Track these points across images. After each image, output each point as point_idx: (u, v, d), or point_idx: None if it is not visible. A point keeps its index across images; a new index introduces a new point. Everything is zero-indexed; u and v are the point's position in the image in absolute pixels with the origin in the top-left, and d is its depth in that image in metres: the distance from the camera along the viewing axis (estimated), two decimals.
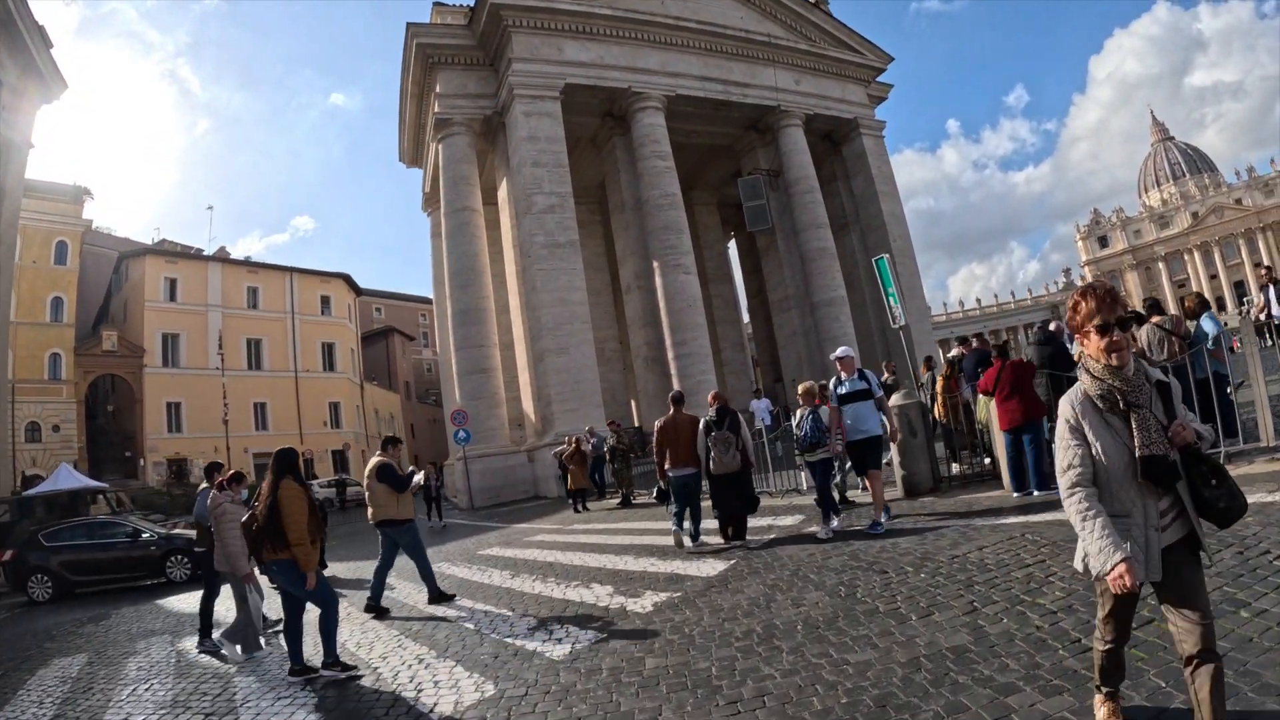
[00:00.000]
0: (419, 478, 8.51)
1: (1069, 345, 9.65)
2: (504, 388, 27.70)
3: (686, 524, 8.56)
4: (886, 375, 16.99)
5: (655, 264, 26.38)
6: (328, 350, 54.36)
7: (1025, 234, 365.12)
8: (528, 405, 25.91)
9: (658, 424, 8.94)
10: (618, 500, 16.52)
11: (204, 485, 8.16)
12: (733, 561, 7.35)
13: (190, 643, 7.85)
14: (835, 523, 7.93)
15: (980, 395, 9.01)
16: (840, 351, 8.58)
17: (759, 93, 29.97)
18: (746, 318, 43.48)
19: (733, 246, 41.90)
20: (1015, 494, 8.04)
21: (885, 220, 32.07)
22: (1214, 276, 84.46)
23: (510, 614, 6.81)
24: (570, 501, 17.00)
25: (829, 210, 31.29)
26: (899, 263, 30.78)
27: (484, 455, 24.48)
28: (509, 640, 5.79)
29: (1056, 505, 6.67)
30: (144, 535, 15.23)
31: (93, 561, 14.76)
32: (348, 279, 57.67)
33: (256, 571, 6.94)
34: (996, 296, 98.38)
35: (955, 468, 10.37)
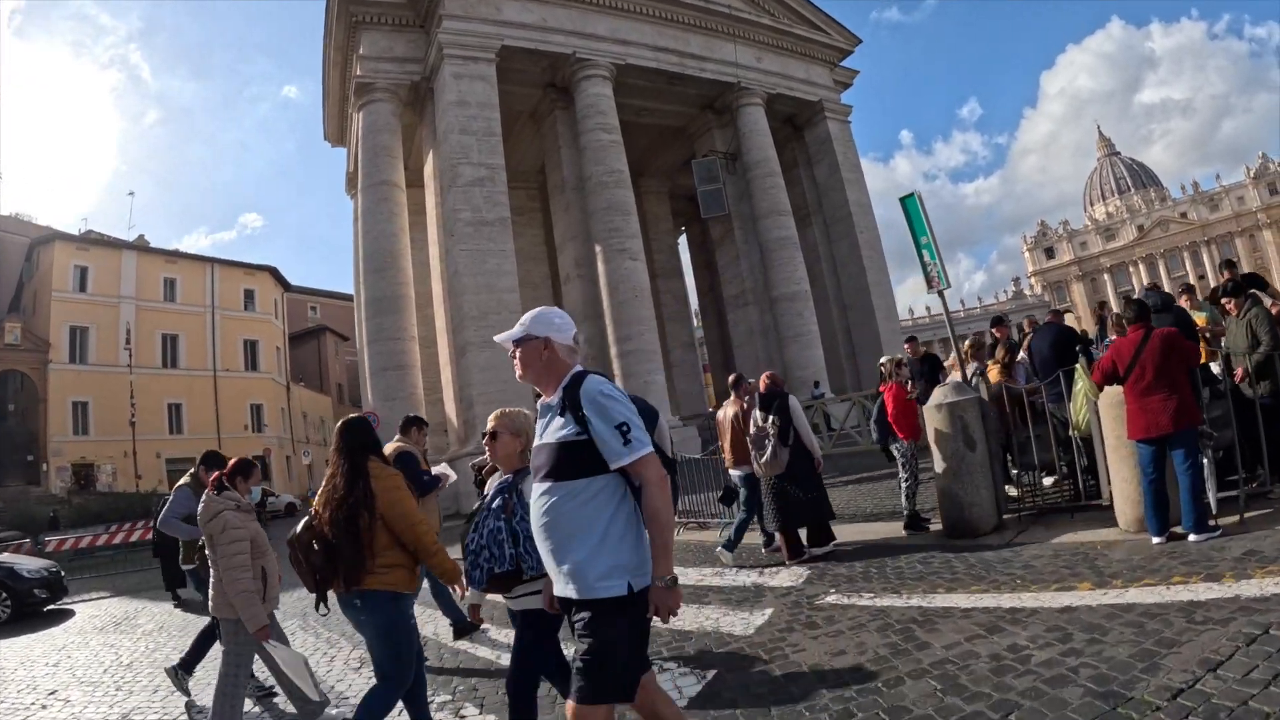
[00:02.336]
0: (449, 474, 6.40)
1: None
2: (425, 389, 24.55)
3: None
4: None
5: (598, 248, 23.53)
6: (251, 348, 50.75)
7: (973, 245, 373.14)
8: (451, 408, 22.78)
9: (717, 415, 8.18)
10: None
11: (183, 482, 6.41)
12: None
13: None
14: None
15: (1076, 388, 6.28)
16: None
17: (717, 67, 27.35)
18: (696, 322, 40.84)
19: (683, 242, 39.29)
20: (1156, 539, 5.25)
21: (851, 210, 29.62)
22: (1154, 286, 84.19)
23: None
24: None
25: (790, 201, 28.76)
26: (867, 256, 28.54)
27: None
28: None
29: (1243, 562, 4.51)
30: None
31: None
32: (274, 272, 54.19)
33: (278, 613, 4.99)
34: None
35: (1010, 490, 7.61)
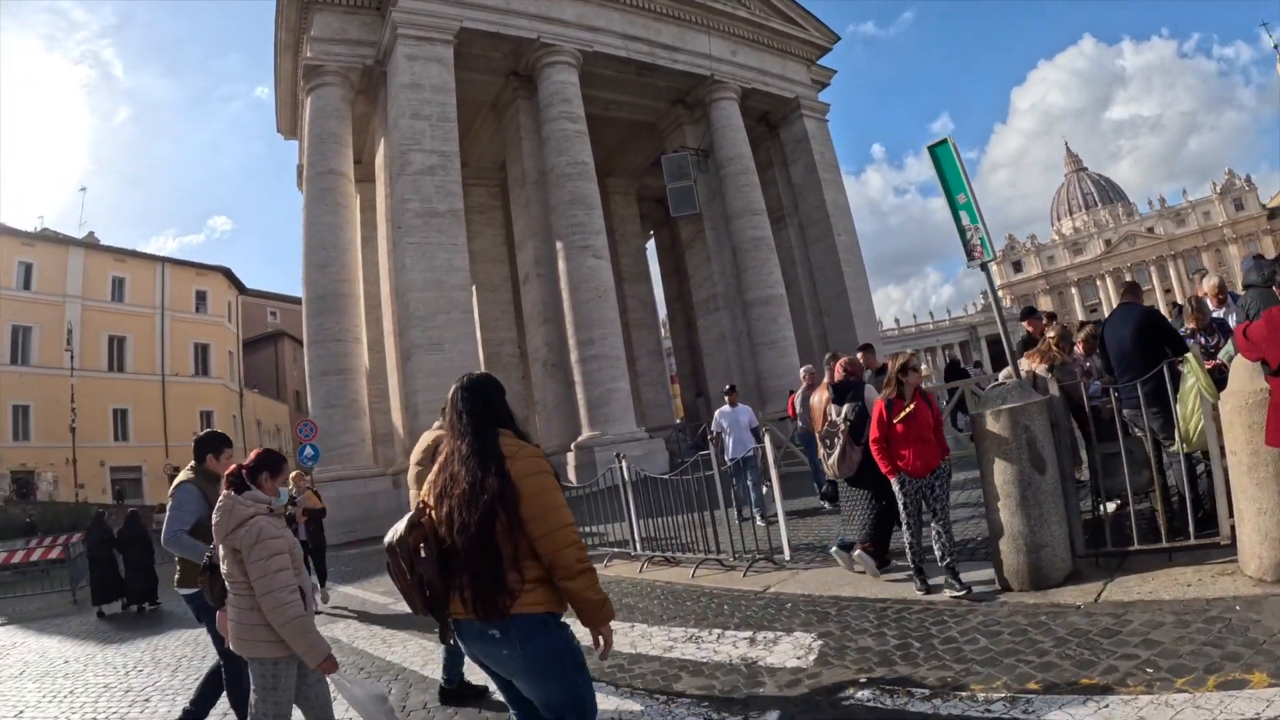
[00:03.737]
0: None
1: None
2: (374, 396, 22.86)
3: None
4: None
5: (559, 245, 21.94)
6: (201, 352, 48.47)
7: (941, 259, 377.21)
8: (397, 417, 21.02)
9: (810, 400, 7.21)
10: None
11: (185, 478, 4.72)
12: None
13: None
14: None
15: (1186, 386, 4.66)
16: None
17: (690, 59, 25.96)
18: (664, 332, 39.40)
19: (651, 248, 37.85)
20: None
21: (829, 211, 28.27)
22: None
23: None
24: None
25: (764, 202, 27.34)
26: (844, 259, 27.27)
27: (338, 478, 19.29)
28: None
29: None
30: None
31: None
32: (228, 273, 52.07)
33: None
34: (915, 317, 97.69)
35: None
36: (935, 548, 5.31)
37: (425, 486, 2.68)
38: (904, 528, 5.43)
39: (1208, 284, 7.07)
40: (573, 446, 20.77)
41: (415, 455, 4.92)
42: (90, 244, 46.58)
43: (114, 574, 13.11)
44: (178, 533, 4.54)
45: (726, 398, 10.91)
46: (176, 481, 4.72)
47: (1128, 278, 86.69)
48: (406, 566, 2.48)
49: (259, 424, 54.13)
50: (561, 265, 21.81)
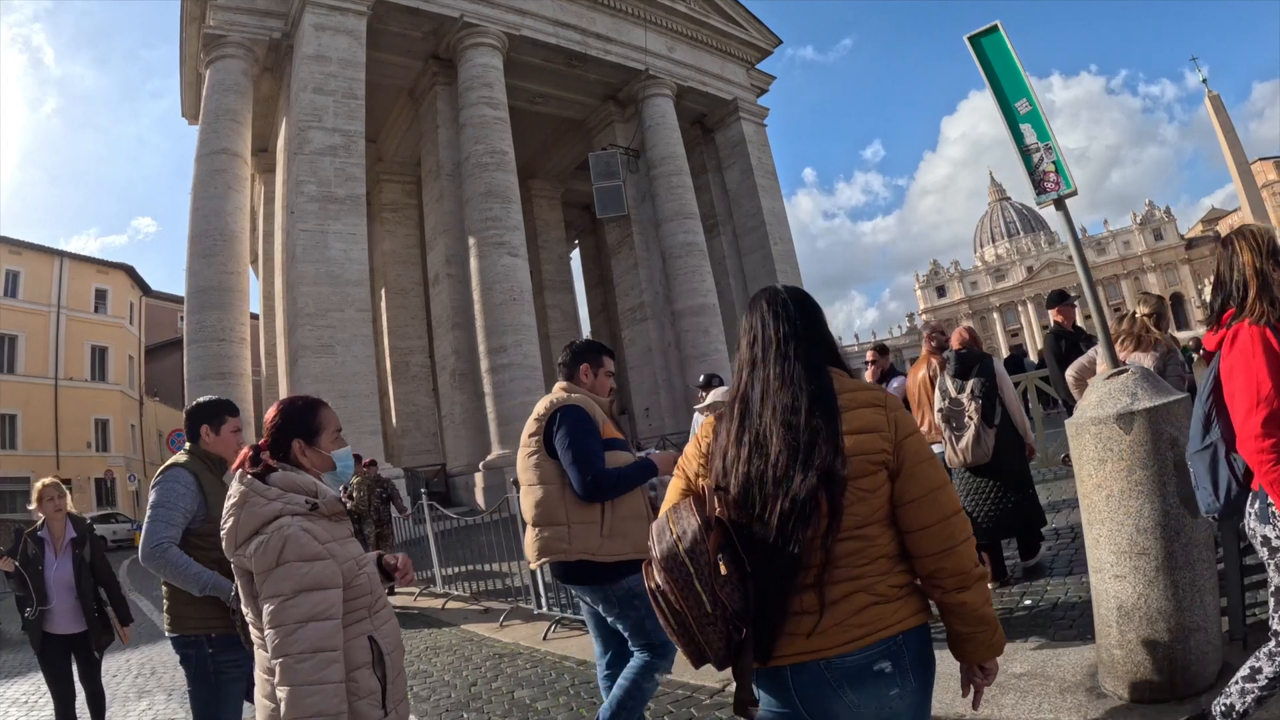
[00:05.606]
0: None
1: None
2: (266, 406, 20.52)
3: None
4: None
5: (471, 241, 20.08)
6: (99, 355, 45.49)
7: (867, 282, 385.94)
8: None
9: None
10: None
11: (179, 459, 3.23)
12: None
13: None
14: None
15: None
16: None
17: (624, 51, 24.58)
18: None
19: (576, 258, 36.39)
20: None
21: (765, 219, 27.09)
22: (1045, 327, 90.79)
23: None
24: None
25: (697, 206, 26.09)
26: (781, 270, 26.12)
27: None
28: None
29: None
30: None
31: None
32: (131, 272, 48.92)
33: None
34: (841, 339, 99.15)
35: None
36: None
37: (689, 463, 1.86)
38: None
39: None
40: (481, 466, 18.94)
41: (528, 430, 3.35)
42: None
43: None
44: (161, 543, 3.02)
45: (703, 393, 7.43)
46: (167, 464, 3.26)
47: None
48: (705, 591, 1.56)
49: (160, 434, 49.99)
50: (474, 263, 19.97)
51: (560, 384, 3.41)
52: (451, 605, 8.51)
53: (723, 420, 1.77)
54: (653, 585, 1.60)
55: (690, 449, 1.86)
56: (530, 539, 3.21)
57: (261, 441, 2.21)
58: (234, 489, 2.07)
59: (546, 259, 30.41)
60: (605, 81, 25.52)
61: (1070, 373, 5.26)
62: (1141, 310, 5.00)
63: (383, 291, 26.19)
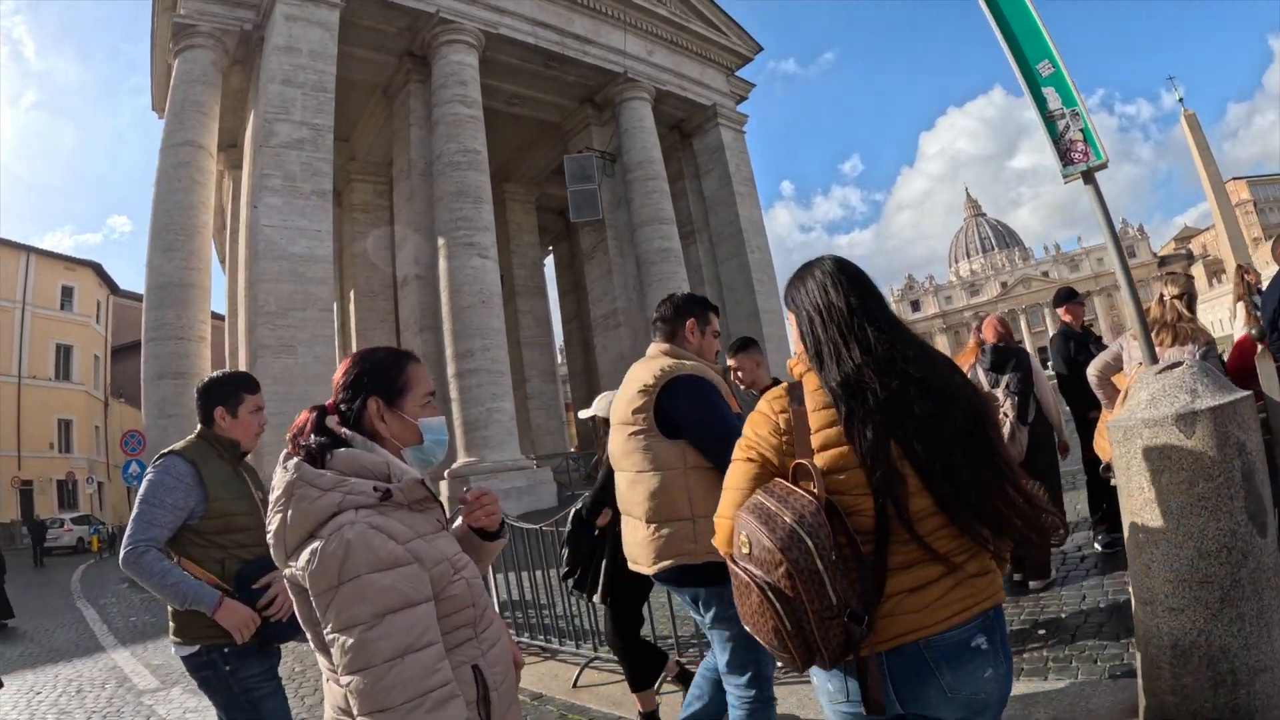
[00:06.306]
0: None
1: None
2: None
3: None
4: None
5: (441, 242, 19.62)
6: (64, 354, 44.85)
7: None
8: None
9: None
10: None
11: (179, 447, 2.82)
12: None
13: None
14: None
15: None
16: None
17: (603, 53, 24.29)
18: (561, 358, 37.53)
19: (550, 264, 35.99)
20: None
21: (742, 227, 26.85)
22: (1019, 341, 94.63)
23: None
24: None
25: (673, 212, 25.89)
26: (757, 279, 26.00)
27: None
28: None
29: None
30: None
31: None
32: (98, 269, 48.51)
33: None
34: None
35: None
36: None
37: (760, 444, 1.69)
38: None
39: None
40: (445, 474, 18.50)
41: (629, 404, 2.79)
42: None
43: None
44: (137, 547, 2.58)
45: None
46: (161, 454, 2.81)
47: (1022, 319, 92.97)
48: (828, 574, 1.47)
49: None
50: (442, 265, 19.54)
51: (660, 345, 2.92)
52: None
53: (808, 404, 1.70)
54: (759, 577, 1.50)
55: (762, 429, 1.71)
56: (642, 539, 2.71)
57: (329, 402, 1.74)
58: (277, 478, 1.60)
59: (519, 264, 30.03)
60: (583, 84, 25.23)
61: (1093, 371, 4.76)
62: (1170, 292, 4.41)
63: (352, 294, 25.78)
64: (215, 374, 3.04)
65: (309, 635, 1.57)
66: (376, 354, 1.79)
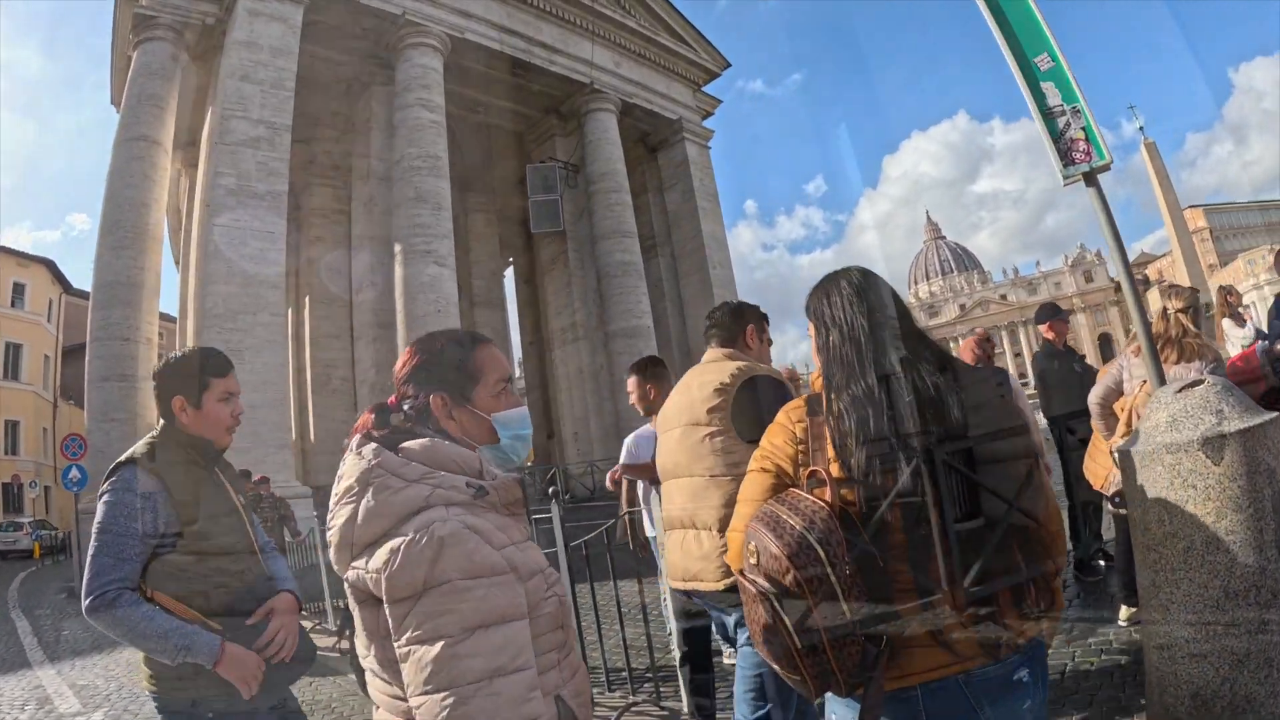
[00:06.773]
0: None
1: None
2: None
3: None
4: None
5: (397, 248, 19.37)
6: (13, 353, 43.56)
7: (801, 315, 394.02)
8: None
9: None
10: None
11: (135, 452, 2.18)
12: None
13: None
14: None
15: None
16: None
17: (569, 63, 24.23)
18: (519, 372, 37.09)
19: (510, 277, 35.58)
20: None
21: (705, 242, 26.83)
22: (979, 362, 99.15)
23: None
24: None
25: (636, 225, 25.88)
26: (719, 295, 26.01)
27: None
28: None
29: None
30: None
31: None
32: (51, 266, 47.04)
33: None
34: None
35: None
36: None
37: (775, 455, 1.66)
38: None
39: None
40: None
41: (704, 404, 2.61)
42: None
43: None
44: (106, 591, 2.00)
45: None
46: (115, 465, 2.19)
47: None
48: (840, 584, 1.35)
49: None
50: (399, 271, 19.25)
51: (720, 349, 2.78)
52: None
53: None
54: (766, 588, 1.39)
55: (778, 439, 1.68)
56: (710, 550, 2.51)
57: (391, 399, 1.55)
58: (349, 466, 1.42)
59: (478, 274, 29.71)
60: (548, 93, 25.15)
61: (1094, 399, 4.35)
62: (1175, 306, 4.08)
63: (307, 300, 25.27)
64: (174, 354, 2.40)
65: (365, 650, 1.38)
66: (435, 341, 1.61)
